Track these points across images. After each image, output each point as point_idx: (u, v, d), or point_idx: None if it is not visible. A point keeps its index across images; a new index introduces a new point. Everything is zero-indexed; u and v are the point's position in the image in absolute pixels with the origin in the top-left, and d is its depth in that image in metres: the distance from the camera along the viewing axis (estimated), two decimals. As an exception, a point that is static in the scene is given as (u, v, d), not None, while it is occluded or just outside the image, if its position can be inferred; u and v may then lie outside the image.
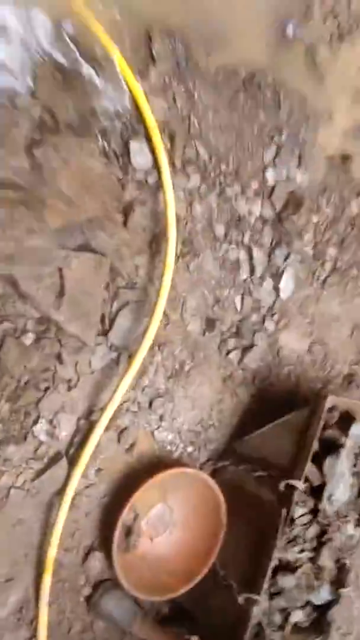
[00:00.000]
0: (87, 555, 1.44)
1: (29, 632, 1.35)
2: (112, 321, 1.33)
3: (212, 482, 1.58)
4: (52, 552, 1.32)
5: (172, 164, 1.31)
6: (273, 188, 1.53)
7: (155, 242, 1.35)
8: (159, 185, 1.29)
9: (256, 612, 1.45)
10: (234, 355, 1.64)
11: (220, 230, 1.46)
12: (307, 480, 1.53)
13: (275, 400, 1.68)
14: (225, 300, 1.56)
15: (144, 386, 1.45)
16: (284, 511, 1.44)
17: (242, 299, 1.59)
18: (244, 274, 1.56)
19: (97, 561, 1.45)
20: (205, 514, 1.59)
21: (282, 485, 1.46)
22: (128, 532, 1.51)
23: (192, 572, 1.55)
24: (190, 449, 1.64)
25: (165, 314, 1.44)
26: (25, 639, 1.35)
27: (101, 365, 1.35)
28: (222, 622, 1.51)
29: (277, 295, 1.64)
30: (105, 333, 1.34)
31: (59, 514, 1.32)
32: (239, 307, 1.59)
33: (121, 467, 1.49)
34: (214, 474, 1.71)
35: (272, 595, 1.59)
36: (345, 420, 1.62)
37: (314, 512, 1.55)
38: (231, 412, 1.70)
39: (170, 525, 1.63)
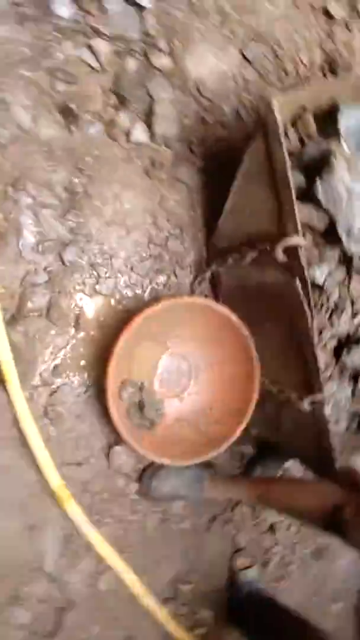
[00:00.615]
0: (108, 456, 1.18)
1: (93, 558, 1.15)
2: None
3: (203, 300, 1.18)
4: (55, 481, 1.07)
5: None
6: None
7: None
8: None
9: (330, 411, 1.11)
10: (138, 133, 1.13)
11: None
12: (309, 228, 1.05)
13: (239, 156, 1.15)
14: (65, 64, 1.02)
15: (30, 245, 1.03)
16: (297, 282, 1.00)
17: (90, 47, 1.03)
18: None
19: (123, 455, 1.18)
20: (223, 339, 1.22)
21: (279, 254, 1.01)
22: (141, 406, 1.20)
23: (244, 403, 1.22)
24: (161, 278, 1.23)
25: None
26: (95, 566, 1.17)
27: None
28: (306, 437, 1.20)
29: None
30: None
31: (29, 439, 1.03)
32: (92, 62, 1.04)
33: (86, 349, 1.14)
34: (215, 293, 1.31)
35: (355, 380, 1.23)
36: (327, 120, 1.07)
37: (345, 261, 1.09)
38: (186, 206, 1.23)
39: (193, 371, 1.29)
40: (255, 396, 1.21)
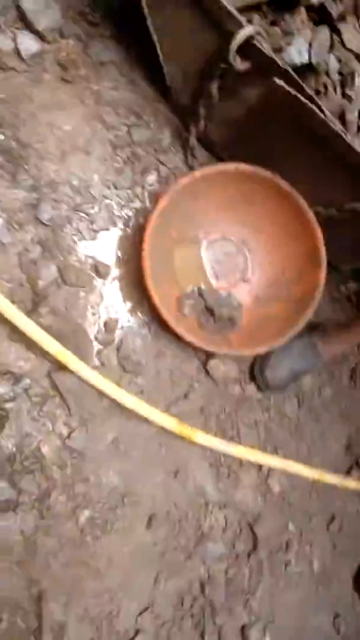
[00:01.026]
0: (208, 373, 1.10)
1: (252, 470, 1.10)
2: None
3: (201, 171, 1.00)
4: (171, 424, 1.02)
5: None
6: None
7: None
8: None
9: None
10: (26, 45, 0.95)
11: None
12: (249, 8, 0.80)
13: None
14: None
15: (2, 228, 0.94)
16: (277, 80, 0.77)
17: None
18: None
19: (221, 365, 1.08)
20: (249, 195, 1.06)
21: (237, 62, 0.79)
22: (210, 311, 1.09)
23: (311, 245, 1.03)
24: (151, 177, 1.07)
25: None
26: (257, 476, 1.12)
27: None
28: None
29: None
30: None
31: (122, 401, 0.99)
32: None
33: (124, 291, 1.05)
34: (216, 154, 1.11)
35: None
36: None
37: (318, 17, 0.83)
38: (126, 86, 1.04)
39: (242, 245, 1.13)
40: (319, 231, 1.02)
